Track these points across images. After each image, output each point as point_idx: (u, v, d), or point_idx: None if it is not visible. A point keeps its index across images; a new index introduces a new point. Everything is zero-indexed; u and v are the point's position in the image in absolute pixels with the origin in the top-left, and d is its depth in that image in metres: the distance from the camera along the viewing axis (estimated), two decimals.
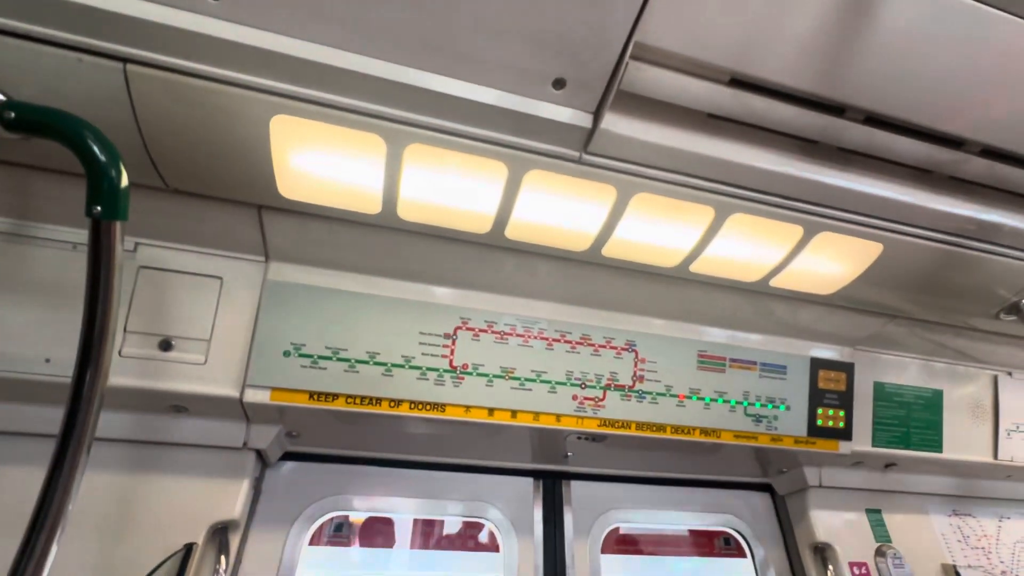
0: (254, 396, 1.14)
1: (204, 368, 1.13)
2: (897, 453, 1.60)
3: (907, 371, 1.64)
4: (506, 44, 0.81)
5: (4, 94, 0.74)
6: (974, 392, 1.70)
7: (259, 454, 1.31)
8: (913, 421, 1.62)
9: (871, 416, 1.58)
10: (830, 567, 1.55)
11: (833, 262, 1.26)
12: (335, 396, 1.18)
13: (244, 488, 1.24)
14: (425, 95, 0.86)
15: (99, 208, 0.66)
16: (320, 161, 0.97)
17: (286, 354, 1.16)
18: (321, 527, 1.47)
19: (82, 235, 1.08)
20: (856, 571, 1.57)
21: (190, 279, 1.14)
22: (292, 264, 1.18)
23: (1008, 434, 1.68)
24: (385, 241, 1.15)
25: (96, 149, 0.66)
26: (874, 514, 1.68)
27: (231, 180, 1.00)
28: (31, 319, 1.04)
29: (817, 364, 1.50)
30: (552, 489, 1.64)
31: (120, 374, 1.06)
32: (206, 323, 1.14)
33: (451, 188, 1.02)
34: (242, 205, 1.07)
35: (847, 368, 1.52)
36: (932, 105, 0.95)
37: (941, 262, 1.24)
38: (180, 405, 1.16)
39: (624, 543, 1.73)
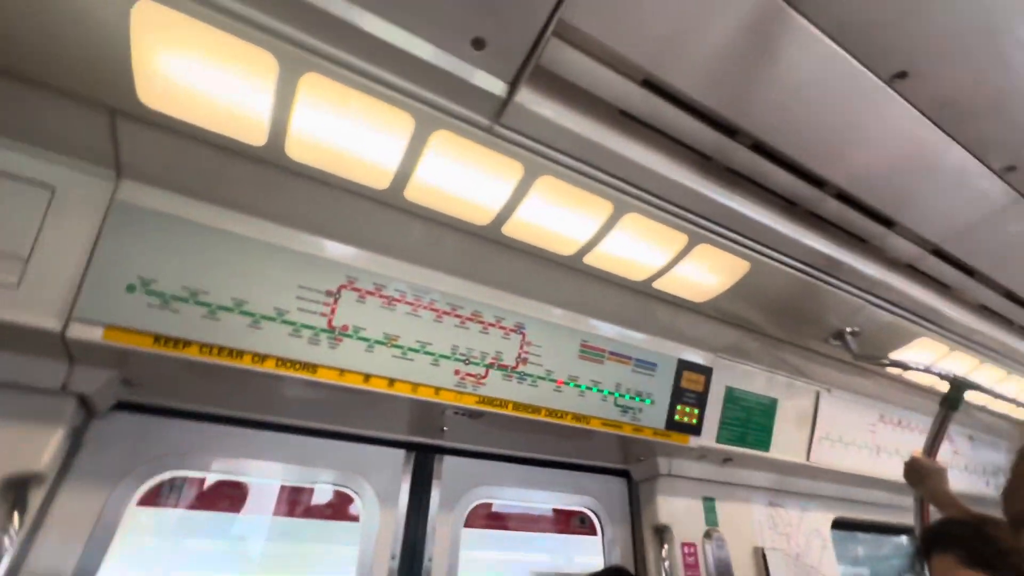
0: (82, 332, 0.97)
1: (16, 292, 0.93)
2: (735, 450, 1.81)
3: (754, 380, 1.87)
4: None
5: None
6: (801, 403, 1.98)
7: (83, 400, 1.13)
8: (751, 423, 1.85)
9: (719, 416, 1.77)
10: (666, 546, 1.73)
11: (708, 273, 1.38)
12: (187, 343, 1.05)
13: (57, 437, 1.06)
14: (333, 21, 0.77)
15: None
16: (196, 70, 0.84)
17: (130, 288, 1.00)
18: (159, 488, 1.31)
19: None
20: (687, 550, 1.77)
21: (7, 182, 0.93)
22: (150, 186, 1.02)
23: (820, 440, 1.99)
24: (268, 178, 1.03)
25: None
26: (708, 501, 1.90)
27: (76, 69, 0.82)
28: None
29: (683, 365, 1.65)
30: (424, 462, 1.62)
31: None
32: (24, 239, 0.94)
33: (350, 133, 0.94)
34: (90, 104, 0.89)
35: (707, 372, 1.69)
36: (807, 145, 1.06)
37: (794, 287, 1.42)
38: None
39: (490, 518, 1.77)
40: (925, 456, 1.63)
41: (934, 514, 1.58)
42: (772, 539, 1.97)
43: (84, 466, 1.20)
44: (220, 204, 1.06)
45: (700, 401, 1.68)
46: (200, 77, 0.85)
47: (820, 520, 2.15)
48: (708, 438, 1.74)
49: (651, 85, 0.93)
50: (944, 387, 1.62)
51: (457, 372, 1.31)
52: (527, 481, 1.77)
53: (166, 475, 1.29)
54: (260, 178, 1.03)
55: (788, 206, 1.24)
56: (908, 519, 1.71)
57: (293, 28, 0.78)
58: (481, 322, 1.34)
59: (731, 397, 1.81)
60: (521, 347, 1.39)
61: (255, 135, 0.93)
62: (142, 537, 1.24)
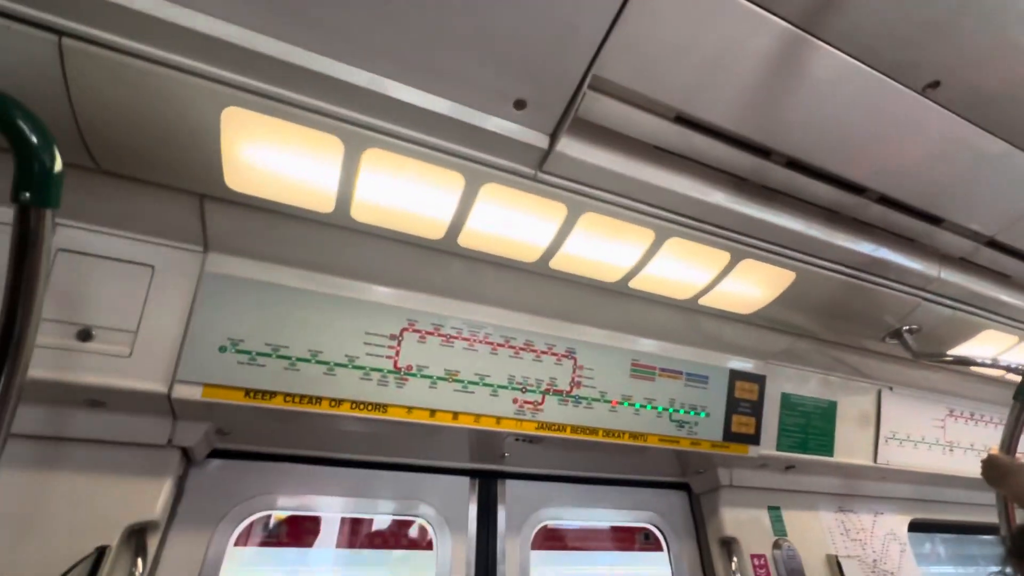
0: (184, 392, 1.09)
1: (128, 361, 1.06)
2: (796, 457, 1.79)
3: (809, 383, 1.84)
4: (474, 62, 0.84)
5: None
6: (861, 403, 1.94)
7: (184, 452, 1.25)
8: (811, 428, 1.82)
9: (777, 423, 1.76)
10: (734, 559, 1.72)
11: (753, 286, 1.39)
12: (273, 394, 1.15)
13: (166, 487, 1.18)
14: (388, 102, 0.86)
15: (28, 194, 0.61)
16: (273, 156, 0.95)
17: (222, 349, 1.12)
18: (249, 527, 1.42)
19: (3, 213, 0.98)
20: (756, 562, 1.75)
21: (117, 265, 1.07)
22: (233, 256, 1.13)
23: (886, 441, 1.94)
24: (334, 238, 1.14)
25: (28, 131, 0.61)
26: (774, 511, 1.88)
27: (172, 167, 0.95)
28: None
29: (735, 375, 1.65)
30: (487, 488, 1.68)
31: (32, 366, 0.98)
32: (133, 314, 1.07)
33: (407, 194, 1.03)
34: (181, 192, 1.02)
35: (760, 380, 1.69)
36: (842, 157, 1.08)
37: (842, 291, 1.41)
38: (97, 400, 1.09)
39: (552, 539, 1.81)
40: (1003, 452, 1.57)
41: (1020, 513, 1.51)
42: (845, 546, 1.92)
43: (187, 512, 1.32)
44: (294, 265, 1.17)
45: (756, 410, 1.68)
46: (277, 161, 0.96)
47: (895, 523, 2.08)
48: (768, 446, 1.73)
49: (683, 120, 0.98)
50: (1016, 379, 1.56)
51: (515, 400, 1.37)
52: (589, 500, 1.80)
53: (257, 515, 1.40)
54: (328, 239, 1.13)
55: (830, 215, 1.25)
56: (992, 517, 1.64)
57: (354, 112, 0.87)
58: (534, 351, 1.40)
59: (787, 403, 1.80)
60: (574, 371, 1.44)
61: (324, 204, 1.03)
62: (243, 573, 1.34)
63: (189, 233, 1.10)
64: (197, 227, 1.08)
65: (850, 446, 1.88)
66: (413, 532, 1.64)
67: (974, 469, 1.63)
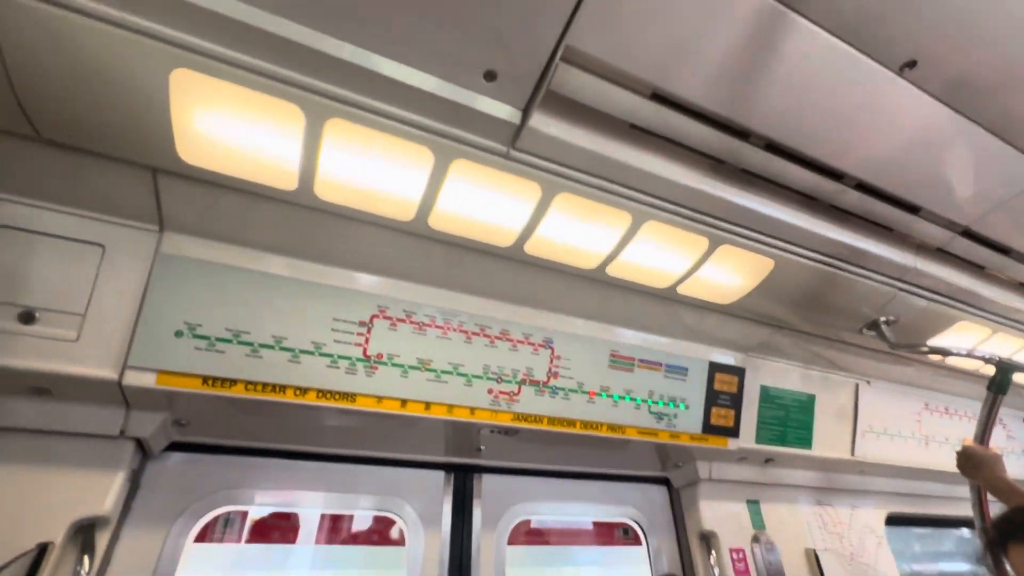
0: (137, 379, 1.03)
1: (75, 345, 1.00)
2: (776, 450, 1.78)
3: (788, 376, 1.84)
4: (440, 29, 0.80)
5: None
6: (840, 397, 1.94)
7: (139, 443, 1.18)
8: (790, 421, 1.82)
9: (756, 416, 1.75)
10: (713, 552, 1.70)
11: (732, 274, 1.37)
12: (234, 382, 1.10)
13: (118, 481, 1.12)
14: (352, 70, 0.82)
15: None
16: (229, 126, 0.90)
17: (178, 334, 1.06)
18: (212, 524, 1.35)
19: None
20: (735, 556, 1.73)
21: (64, 244, 1.00)
22: (191, 236, 1.08)
23: (863, 435, 1.94)
24: (299, 219, 1.08)
25: None
26: (753, 504, 1.86)
27: (120, 136, 0.89)
28: None
29: (714, 368, 1.63)
30: (463, 482, 1.64)
31: None
32: (81, 295, 1.01)
33: (374, 170, 0.99)
34: (133, 166, 0.96)
35: (739, 372, 1.67)
36: (820, 140, 1.07)
37: (820, 280, 1.40)
38: (41, 387, 1.02)
39: (531, 535, 1.77)
40: (977, 443, 1.58)
41: (994, 504, 1.52)
42: (823, 539, 1.92)
43: (142, 507, 1.25)
44: (256, 247, 1.12)
45: (735, 402, 1.66)
46: (233, 131, 0.91)
47: (872, 517, 2.08)
48: (747, 439, 1.71)
49: (659, 98, 0.95)
50: (991, 371, 1.57)
51: (490, 391, 1.33)
52: (567, 495, 1.76)
53: (219, 511, 1.34)
54: (292, 220, 1.08)
55: (807, 201, 1.24)
56: (967, 511, 1.64)
57: (315, 79, 0.83)
58: (510, 340, 1.36)
59: (767, 396, 1.79)
60: (551, 361, 1.41)
61: (286, 180, 0.98)
62: (200, 573, 1.27)
63: (143, 211, 1.04)
64: (151, 204, 1.02)
65: (828, 439, 1.88)
66: (393, 532, 1.59)
67: (950, 463, 1.64)
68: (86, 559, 1.04)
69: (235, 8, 0.74)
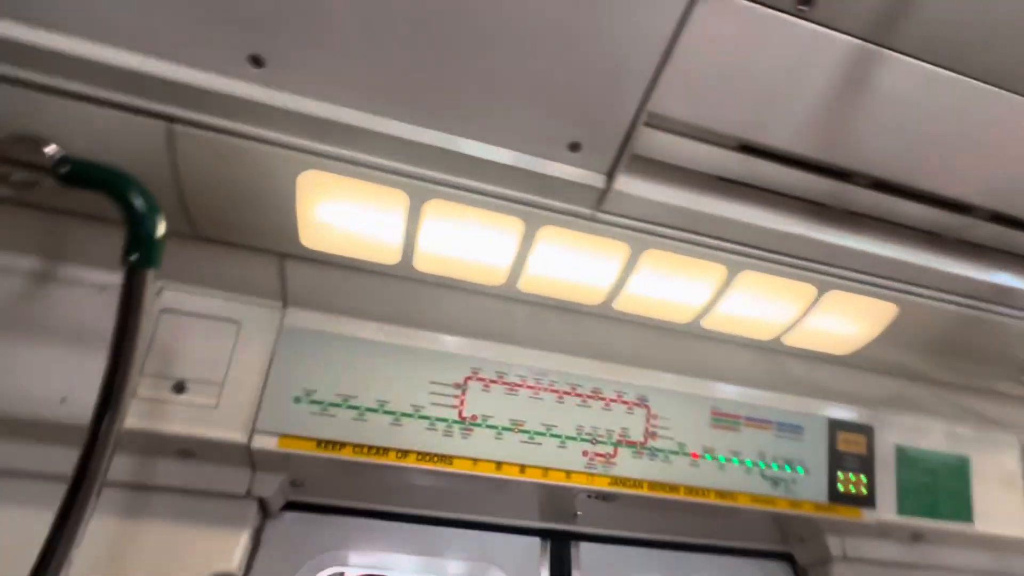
0: (263, 442, 1.13)
1: (215, 412, 1.13)
2: (925, 523, 1.51)
3: (930, 435, 1.58)
4: (525, 110, 0.86)
5: (59, 149, 0.80)
6: (1002, 459, 1.63)
7: (261, 503, 1.28)
8: (940, 489, 1.55)
9: (894, 482, 1.51)
10: None
11: (849, 322, 1.25)
12: (343, 445, 1.17)
13: (244, 538, 1.20)
14: (447, 155, 0.90)
15: (136, 256, 0.69)
16: (343, 213, 1.02)
17: (296, 400, 1.16)
18: None
19: (109, 277, 1.12)
20: None
21: (209, 323, 1.16)
22: (309, 310, 1.20)
23: None
24: (399, 290, 1.17)
25: (138, 203, 0.70)
26: None
27: (256, 230, 1.04)
28: (51, 358, 1.06)
29: (835, 425, 1.46)
30: (560, 551, 1.56)
31: (133, 415, 1.07)
32: (220, 366, 1.15)
33: (468, 242, 1.06)
34: (264, 252, 1.11)
35: (867, 430, 1.48)
36: (934, 172, 0.97)
37: (959, 324, 1.23)
38: (187, 449, 1.15)
39: None
40: None
41: None
42: None
43: (262, 565, 1.33)
44: (363, 317, 1.22)
45: (866, 466, 1.46)
46: (346, 217, 1.03)
47: None
48: (887, 510, 1.48)
49: (748, 149, 0.94)
50: None
51: (585, 453, 1.29)
52: (674, 569, 1.61)
53: (328, 572, 1.39)
54: (393, 291, 1.17)
55: (931, 238, 1.12)
56: None
57: (418, 167, 0.92)
58: (602, 398, 1.33)
59: (905, 458, 1.55)
60: (647, 421, 1.34)
61: (389, 256, 1.08)
62: None
63: (270, 290, 1.18)
64: (277, 285, 1.16)
65: (994, 512, 1.57)
66: None
67: None
68: None
69: (351, 116, 0.86)
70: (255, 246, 1.09)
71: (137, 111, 0.82)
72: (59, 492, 0.72)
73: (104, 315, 1.10)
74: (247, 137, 0.86)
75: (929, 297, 1.17)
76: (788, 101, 0.85)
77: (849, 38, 0.79)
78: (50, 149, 0.82)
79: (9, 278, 1.07)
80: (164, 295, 1.15)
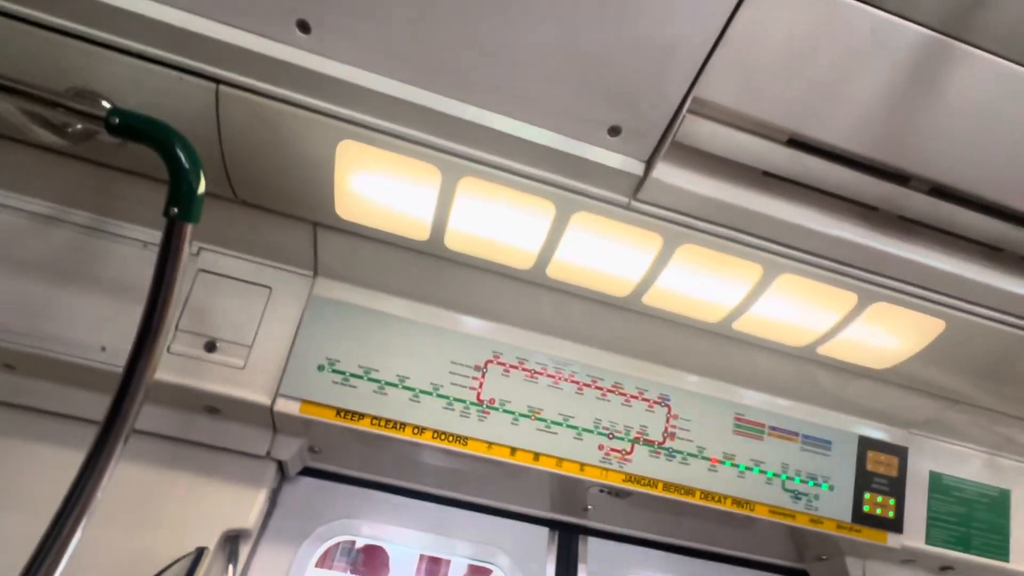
0: (285, 406, 1.15)
1: (242, 373, 1.16)
2: (955, 555, 1.44)
3: (969, 463, 1.50)
4: (567, 91, 0.84)
5: (110, 102, 0.83)
6: None
7: (280, 465, 1.32)
8: (975, 521, 1.47)
9: (925, 509, 1.44)
10: None
11: (889, 336, 1.19)
12: (361, 416, 1.18)
13: (261, 497, 1.24)
14: (484, 131, 0.89)
15: (176, 210, 0.71)
16: (379, 186, 1.02)
17: (320, 368, 1.18)
18: (328, 549, 1.44)
19: (153, 235, 1.16)
20: None
21: (242, 285, 1.19)
22: (338, 281, 1.22)
23: None
24: (427, 267, 1.18)
25: (183, 157, 0.72)
26: None
27: (294, 197, 1.06)
28: (94, 308, 1.11)
29: (866, 443, 1.40)
30: (567, 542, 1.56)
31: (166, 369, 1.11)
32: (251, 329, 1.18)
33: (498, 222, 1.05)
34: (299, 221, 1.13)
35: (900, 452, 1.41)
36: (1003, 181, 0.91)
37: (1012, 347, 1.15)
38: (214, 406, 1.19)
39: None
40: None
41: None
42: None
43: (276, 526, 1.37)
44: (389, 292, 1.23)
45: (896, 489, 1.39)
46: (381, 190, 1.03)
47: None
48: (914, 537, 1.41)
49: (797, 144, 0.89)
50: None
51: (601, 447, 1.27)
52: (682, 573, 1.59)
53: (338, 539, 1.42)
54: (421, 267, 1.17)
55: (990, 252, 1.05)
56: None
57: (453, 142, 0.91)
58: (623, 394, 1.31)
59: (939, 485, 1.47)
60: (667, 420, 1.31)
61: (420, 232, 1.08)
62: None
63: (303, 259, 1.20)
64: (310, 253, 1.18)
65: None
66: None
67: None
68: (231, 567, 1.16)
69: (392, 87, 0.86)
70: (291, 213, 1.11)
71: (187, 71, 0.85)
72: (93, 436, 0.75)
73: (145, 270, 1.15)
74: (290, 103, 0.88)
75: (980, 315, 1.10)
76: (846, 94, 0.81)
77: (920, 28, 0.74)
78: (105, 103, 0.85)
79: (62, 229, 1.13)
80: (202, 256, 1.19)
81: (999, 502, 1.49)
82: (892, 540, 1.37)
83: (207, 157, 0.91)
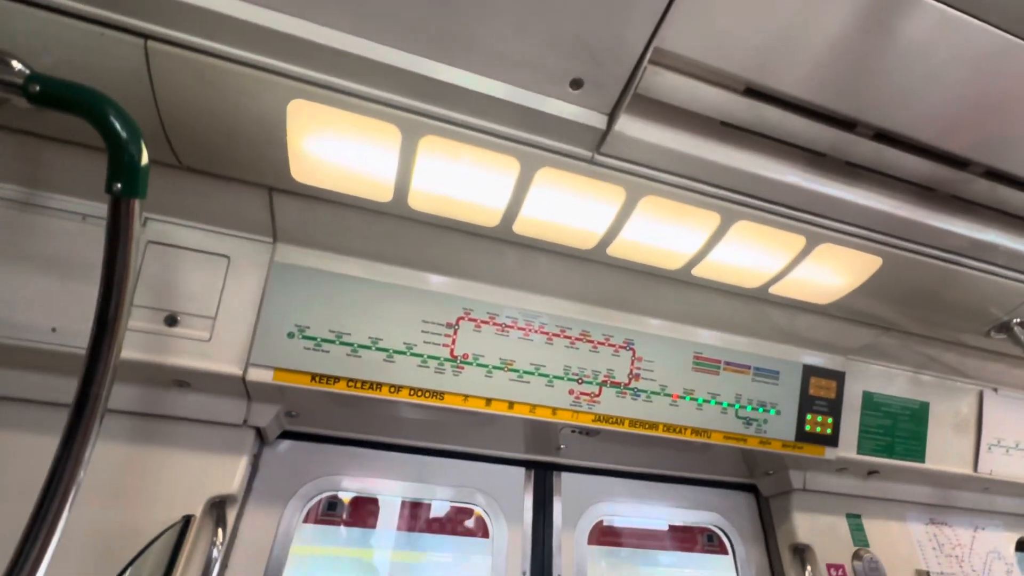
0: (256, 375, 1.15)
1: (208, 345, 1.14)
2: (880, 461, 1.64)
3: (896, 382, 1.68)
4: (527, 42, 0.82)
5: (26, 66, 0.74)
6: (959, 406, 1.74)
7: (258, 432, 1.33)
8: (898, 431, 1.66)
9: (858, 424, 1.62)
10: (808, 567, 1.60)
11: (832, 273, 1.28)
12: (336, 379, 1.20)
13: (243, 464, 1.26)
14: (443, 88, 0.86)
15: (119, 185, 0.67)
16: (335, 147, 0.98)
17: (290, 335, 1.17)
18: (314, 505, 1.49)
19: (92, 207, 1.08)
20: (833, 573, 1.62)
21: (198, 256, 1.15)
22: (299, 247, 1.19)
23: (989, 448, 1.73)
24: (392, 228, 1.16)
25: (119, 127, 0.66)
26: (854, 519, 1.73)
27: (244, 161, 1.00)
28: (38, 288, 1.05)
29: (809, 371, 1.53)
30: (543, 479, 1.67)
31: (128, 347, 1.07)
32: (212, 301, 1.15)
33: (463, 181, 1.03)
34: (253, 186, 1.08)
35: (838, 376, 1.56)
36: (941, 125, 0.96)
37: (937, 278, 1.27)
38: (183, 380, 1.17)
39: (609, 535, 1.77)
40: None
41: None
42: (938, 561, 1.74)
43: (260, 489, 1.40)
44: (355, 255, 1.21)
45: (834, 409, 1.55)
46: (338, 151, 0.99)
47: (1000, 540, 1.86)
48: (847, 449, 1.59)
49: (753, 92, 0.91)
50: None
51: (571, 392, 1.35)
52: (648, 497, 1.74)
53: (323, 495, 1.47)
54: (386, 229, 1.15)
55: (924, 192, 1.12)
56: None
57: (412, 99, 0.88)
58: (590, 341, 1.37)
59: (870, 403, 1.65)
60: (632, 363, 1.39)
61: (382, 193, 1.05)
62: (309, 548, 1.41)
63: (260, 225, 1.16)
64: (267, 219, 1.14)
65: (944, 452, 1.70)
66: (471, 523, 1.66)
67: None
68: (219, 531, 1.19)
69: (343, 40, 0.80)
70: (243, 179, 1.05)
71: (109, 25, 0.76)
72: (62, 419, 0.73)
73: (88, 245, 1.08)
74: (230, 59, 0.81)
75: (913, 251, 1.20)
76: (799, 43, 0.82)
77: None
78: (17, 65, 0.76)
79: None
80: (150, 226, 1.13)
81: (919, 413, 1.69)
82: (829, 453, 1.55)
83: (143, 121, 0.84)
